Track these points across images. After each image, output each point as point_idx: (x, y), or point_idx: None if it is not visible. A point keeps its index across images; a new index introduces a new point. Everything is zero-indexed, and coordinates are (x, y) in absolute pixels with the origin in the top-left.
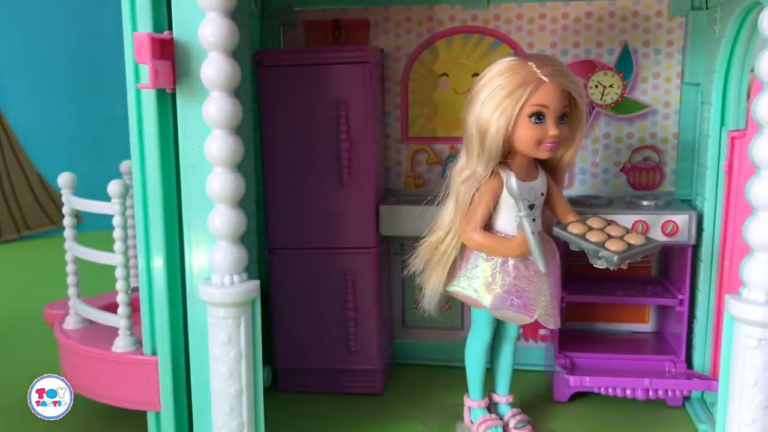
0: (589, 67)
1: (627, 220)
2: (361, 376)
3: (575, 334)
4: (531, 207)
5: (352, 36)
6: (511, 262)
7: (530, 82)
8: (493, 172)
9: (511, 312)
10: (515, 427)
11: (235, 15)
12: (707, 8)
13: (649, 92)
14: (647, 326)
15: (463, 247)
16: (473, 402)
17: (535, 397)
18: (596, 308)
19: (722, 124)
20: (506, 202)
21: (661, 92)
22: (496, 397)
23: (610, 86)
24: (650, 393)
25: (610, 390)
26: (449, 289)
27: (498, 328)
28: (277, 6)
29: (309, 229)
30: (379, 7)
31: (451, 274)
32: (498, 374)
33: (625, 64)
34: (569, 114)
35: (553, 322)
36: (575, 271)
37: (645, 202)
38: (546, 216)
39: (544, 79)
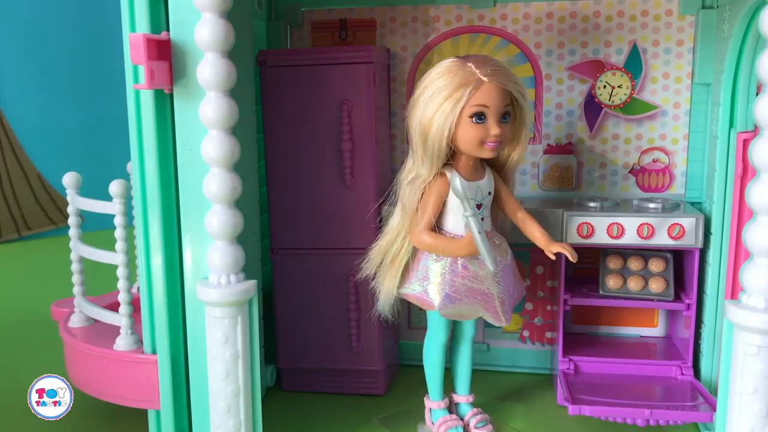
0: (597, 67)
1: (633, 222)
2: (364, 377)
3: (580, 338)
4: (479, 206)
5: (358, 36)
6: (460, 261)
7: (469, 82)
8: (438, 173)
9: (459, 311)
10: (476, 427)
11: (234, 15)
12: (718, 7)
13: (658, 93)
14: (656, 330)
15: (414, 250)
16: (433, 403)
17: (538, 400)
18: (602, 312)
19: (731, 125)
20: (453, 202)
21: (670, 93)
22: (457, 398)
23: (619, 87)
24: (651, 422)
25: (609, 418)
26: (402, 291)
27: (455, 328)
28: (284, 6)
29: (312, 230)
30: (385, 7)
31: (405, 276)
32: (457, 375)
33: (634, 64)
34: (512, 113)
35: (501, 321)
36: (581, 274)
37: (652, 205)
38: (500, 215)
39: (483, 79)
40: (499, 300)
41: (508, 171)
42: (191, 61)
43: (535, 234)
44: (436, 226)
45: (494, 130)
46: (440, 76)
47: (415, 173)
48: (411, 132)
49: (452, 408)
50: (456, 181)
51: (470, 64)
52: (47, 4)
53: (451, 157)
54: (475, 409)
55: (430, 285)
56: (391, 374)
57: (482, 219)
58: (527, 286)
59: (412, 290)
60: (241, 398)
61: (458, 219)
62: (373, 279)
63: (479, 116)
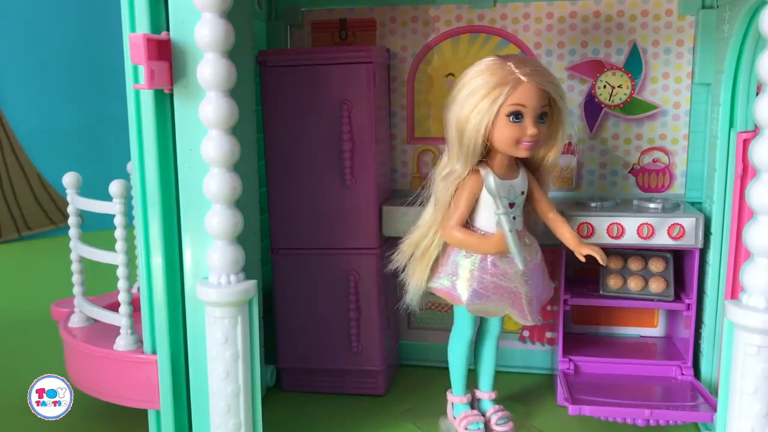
0: (597, 67)
1: (633, 222)
2: (364, 377)
3: (581, 338)
4: (511, 205)
5: (358, 36)
6: (489, 259)
7: (508, 81)
8: (472, 170)
9: (486, 308)
10: (497, 423)
11: (234, 15)
12: (718, 7)
13: (658, 93)
14: (656, 331)
15: (445, 245)
16: (456, 398)
17: (539, 400)
18: (602, 312)
19: (731, 125)
20: (486, 199)
21: (670, 93)
22: (479, 394)
23: (619, 86)
24: (651, 422)
25: (609, 418)
26: (431, 285)
27: (481, 324)
28: (284, 6)
29: (312, 230)
30: (385, 7)
31: (434, 271)
32: (481, 371)
33: (634, 64)
34: (548, 113)
35: (528, 320)
36: (581, 274)
37: (652, 205)
38: (533, 216)
39: (522, 78)
40: (526, 299)
41: (543, 171)
42: (191, 61)
43: (566, 235)
44: (468, 223)
45: (530, 129)
46: (479, 75)
47: (449, 169)
48: (448, 129)
49: (474, 404)
50: (490, 178)
51: (510, 64)
52: (47, 4)
53: (486, 154)
54: (496, 406)
55: (459, 280)
56: (391, 374)
57: (514, 218)
58: None
59: (441, 285)
60: (241, 398)
61: (490, 216)
62: (403, 272)
63: (516, 115)
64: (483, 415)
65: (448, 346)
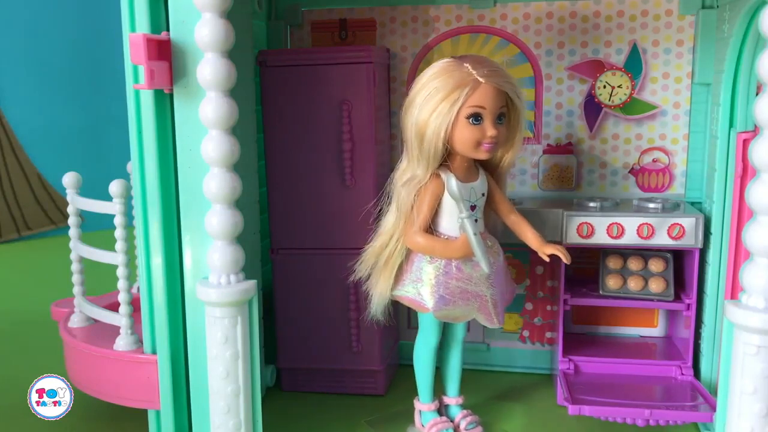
0: (597, 67)
1: (633, 222)
2: (364, 377)
3: (580, 338)
4: (472, 208)
5: (358, 36)
6: (454, 263)
7: (466, 83)
8: (433, 174)
9: (452, 313)
10: (466, 429)
11: (234, 15)
12: (718, 7)
13: (658, 93)
14: (656, 331)
15: (408, 251)
16: (423, 405)
17: (539, 400)
18: (602, 312)
19: (731, 125)
20: (448, 203)
21: (670, 93)
22: (447, 400)
23: (619, 86)
24: (651, 422)
25: (609, 418)
26: (395, 293)
27: (445, 330)
28: (284, 6)
29: (312, 230)
30: (385, 7)
31: (398, 278)
32: (447, 376)
33: (634, 64)
34: (507, 114)
35: (494, 322)
36: (581, 274)
37: (652, 205)
38: (491, 217)
39: (480, 80)
40: (492, 302)
41: (501, 172)
42: (191, 61)
43: (528, 236)
44: (431, 228)
45: (490, 131)
46: (436, 77)
47: (410, 174)
48: (406, 133)
49: (442, 410)
50: (452, 182)
51: (467, 65)
52: (47, 4)
53: (447, 157)
54: (465, 411)
55: (424, 287)
56: (391, 374)
57: (476, 220)
58: (527, 286)
59: (406, 292)
60: (241, 398)
61: (452, 220)
62: (367, 281)
63: (476, 117)
64: (452, 421)
65: (414, 353)
